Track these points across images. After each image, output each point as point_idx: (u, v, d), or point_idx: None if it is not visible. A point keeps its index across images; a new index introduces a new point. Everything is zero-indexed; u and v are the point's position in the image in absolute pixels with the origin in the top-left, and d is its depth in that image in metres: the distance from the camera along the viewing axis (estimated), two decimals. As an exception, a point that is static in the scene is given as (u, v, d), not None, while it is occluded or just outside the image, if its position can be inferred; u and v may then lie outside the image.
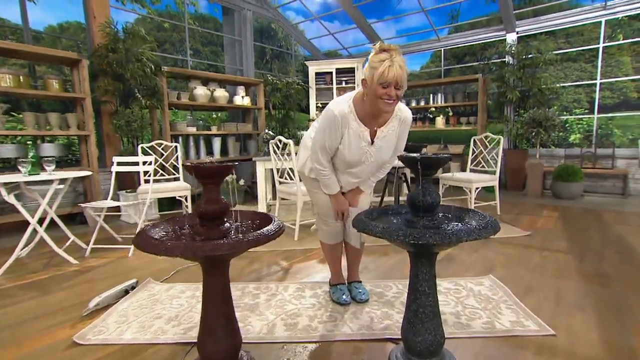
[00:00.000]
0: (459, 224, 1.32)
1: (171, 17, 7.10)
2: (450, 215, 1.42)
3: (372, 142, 1.70)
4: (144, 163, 3.42)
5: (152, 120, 4.95)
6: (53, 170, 2.71)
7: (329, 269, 2.10)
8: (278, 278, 2.38)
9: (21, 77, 3.69)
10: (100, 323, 1.75)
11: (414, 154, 1.26)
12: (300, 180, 2.91)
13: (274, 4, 7.16)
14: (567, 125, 6.82)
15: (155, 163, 3.99)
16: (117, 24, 4.27)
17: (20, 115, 3.81)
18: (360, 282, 2.08)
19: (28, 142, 3.43)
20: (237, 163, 1.37)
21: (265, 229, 1.25)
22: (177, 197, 3.80)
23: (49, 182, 2.64)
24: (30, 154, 2.65)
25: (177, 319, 1.81)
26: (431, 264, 1.30)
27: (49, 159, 2.67)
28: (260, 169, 3.81)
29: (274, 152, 3.37)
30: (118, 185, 4.44)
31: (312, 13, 7.19)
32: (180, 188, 3.74)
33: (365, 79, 1.54)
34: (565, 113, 6.57)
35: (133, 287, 2.17)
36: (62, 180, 2.86)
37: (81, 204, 3.09)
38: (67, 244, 2.88)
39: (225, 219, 1.34)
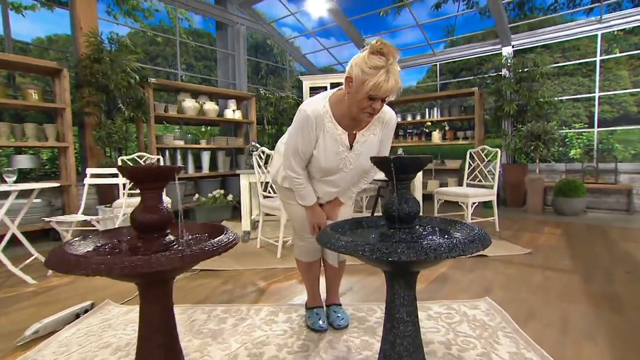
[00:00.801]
0: (442, 237, 1.11)
1: (164, 32, 7.10)
2: (432, 228, 1.21)
3: (351, 147, 1.51)
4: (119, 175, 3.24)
5: (139, 133, 4.81)
6: (14, 182, 2.52)
7: (306, 290, 1.87)
8: (251, 300, 2.14)
9: (-4, 87, 3.55)
10: (34, 355, 1.52)
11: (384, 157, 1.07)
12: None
13: (269, 19, 7.16)
14: (566, 140, 6.67)
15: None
16: (102, 34, 4.18)
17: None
18: (340, 305, 1.84)
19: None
20: (183, 166, 1.17)
21: (209, 242, 1.05)
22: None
23: (17, 196, 2.46)
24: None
25: (127, 349, 1.57)
26: (410, 286, 1.09)
27: (10, 169, 2.49)
28: (245, 182, 3.61)
29: (258, 164, 3.19)
30: (100, 199, 4.26)
31: (307, 29, 7.17)
32: (160, 202, 3.53)
33: (350, 77, 1.31)
34: (564, 127, 6.43)
35: (87, 310, 1.94)
36: (27, 193, 2.67)
37: (45, 218, 2.88)
38: (28, 261, 2.65)
39: (169, 231, 1.14)
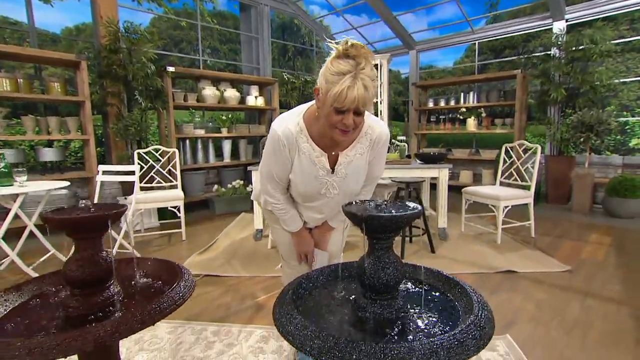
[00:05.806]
0: (429, 315, 0.87)
1: (188, 15, 6.96)
2: (423, 292, 0.97)
3: (333, 170, 1.29)
4: (133, 172, 3.23)
5: (160, 123, 4.80)
6: (25, 181, 2.55)
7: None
8: (246, 318, 2.02)
9: (20, 81, 3.62)
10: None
11: (356, 212, 0.84)
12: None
13: (295, -2, 6.79)
14: (627, 127, 5.86)
15: (152, 170, 3.82)
16: (118, 22, 4.11)
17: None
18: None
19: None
20: (125, 206, 1.01)
21: (158, 300, 0.89)
22: (169, 208, 3.57)
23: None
24: (2, 165, 2.49)
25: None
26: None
27: (20, 169, 2.51)
28: (257, 176, 3.45)
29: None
30: (122, 190, 4.36)
31: (334, 7, 6.75)
32: (172, 198, 3.51)
33: (318, 89, 1.11)
34: (625, 113, 5.63)
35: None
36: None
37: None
38: (44, 258, 2.71)
39: (111, 282, 1.00)
